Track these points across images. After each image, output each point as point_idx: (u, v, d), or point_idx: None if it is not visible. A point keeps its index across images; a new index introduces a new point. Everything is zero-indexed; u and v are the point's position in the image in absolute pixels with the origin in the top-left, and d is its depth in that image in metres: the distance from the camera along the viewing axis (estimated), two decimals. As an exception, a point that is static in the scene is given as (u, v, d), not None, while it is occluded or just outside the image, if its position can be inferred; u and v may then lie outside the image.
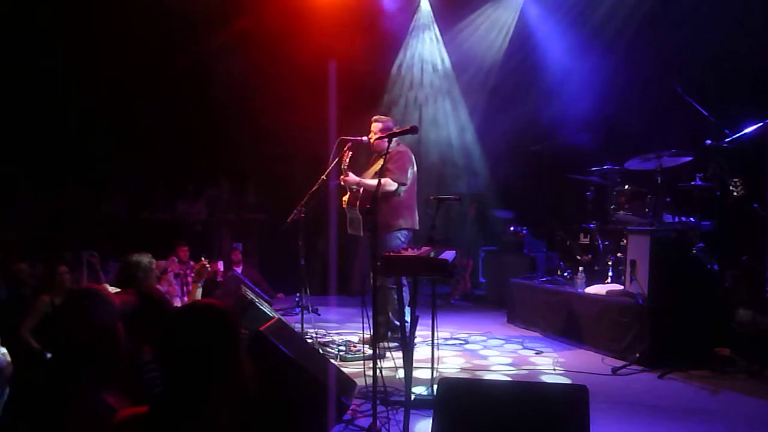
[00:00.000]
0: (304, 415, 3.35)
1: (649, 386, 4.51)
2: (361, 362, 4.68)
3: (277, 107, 8.44)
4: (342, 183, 5.40)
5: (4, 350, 3.84)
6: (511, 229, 8.51)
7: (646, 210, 5.72)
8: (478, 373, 4.89)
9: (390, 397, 3.88)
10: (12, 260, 5.49)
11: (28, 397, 2.31)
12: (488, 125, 9.22)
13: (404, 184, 5.44)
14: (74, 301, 2.36)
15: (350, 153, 5.40)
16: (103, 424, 1.89)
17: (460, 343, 5.87)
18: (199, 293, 4.43)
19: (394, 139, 5.12)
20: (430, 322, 4.15)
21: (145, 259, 3.95)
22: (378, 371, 3.44)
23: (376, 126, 5.53)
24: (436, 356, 4.22)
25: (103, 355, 2.24)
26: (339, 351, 5.12)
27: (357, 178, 5.32)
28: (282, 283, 8.99)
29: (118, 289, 3.80)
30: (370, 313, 3.71)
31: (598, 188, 6.54)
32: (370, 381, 3.50)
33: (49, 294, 4.62)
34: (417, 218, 5.58)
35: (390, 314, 5.50)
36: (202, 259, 4.58)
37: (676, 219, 5.47)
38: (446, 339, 5.92)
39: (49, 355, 4.11)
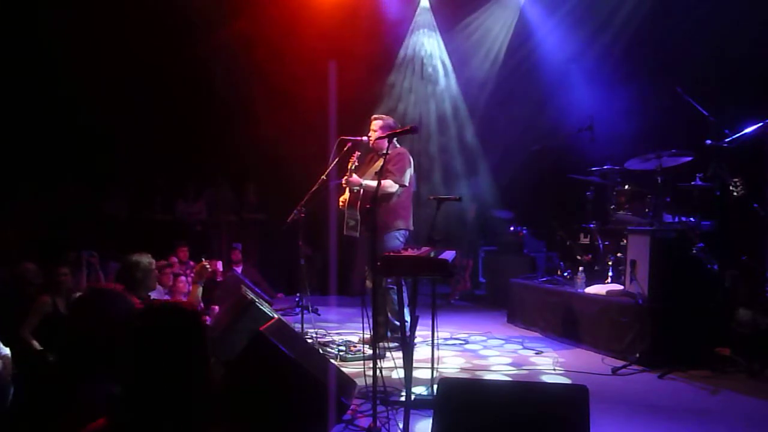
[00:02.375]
0: (304, 415, 3.35)
1: (649, 386, 4.51)
2: (361, 362, 4.68)
3: (277, 107, 8.45)
4: (344, 184, 5.40)
5: (7, 351, 3.85)
6: (511, 229, 8.51)
7: (646, 210, 5.72)
8: (478, 373, 4.89)
9: (390, 397, 3.88)
10: (13, 260, 5.48)
11: (37, 395, 2.31)
12: (488, 125, 9.23)
13: (404, 186, 5.45)
14: (93, 297, 2.37)
15: (358, 154, 5.41)
16: None
17: (460, 343, 5.87)
18: (199, 293, 4.43)
19: (393, 140, 5.13)
20: (430, 322, 4.15)
21: (145, 259, 3.95)
22: (378, 371, 3.44)
23: (376, 123, 5.53)
24: (436, 356, 4.21)
25: (117, 351, 2.24)
26: (339, 351, 5.11)
27: (360, 180, 5.32)
28: (282, 283, 9.01)
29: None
30: (370, 313, 3.71)
31: (598, 188, 6.54)
32: (370, 381, 3.50)
33: (50, 294, 4.62)
34: (412, 219, 5.60)
35: (389, 314, 5.50)
36: (203, 259, 4.58)
37: (676, 219, 5.47)
38: (446, 339, 5.92)
39: (51, 357, 4.12)
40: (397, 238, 5.42)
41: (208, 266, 4.47)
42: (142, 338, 1.71)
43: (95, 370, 2.17)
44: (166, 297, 5.83)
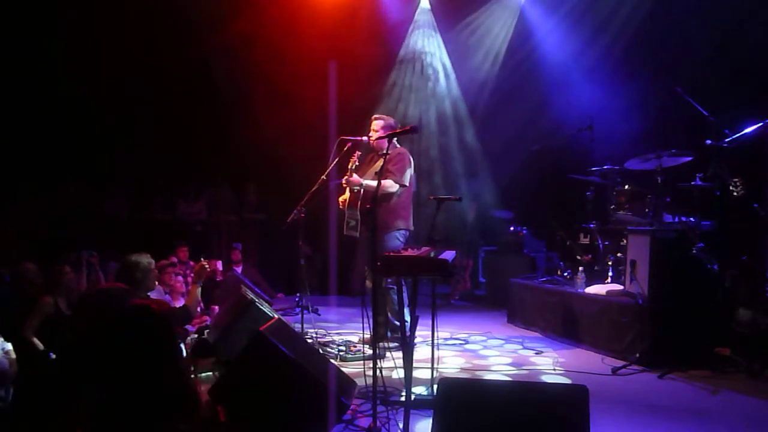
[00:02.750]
0: (304, 415, 3.35)
1: (649, 386, 4.51)
2: (361, 362, 4.68)
3: (277, 107, 8.45)
4: (344, 184, 5.40)
5: (9, 346, 3.86)
6: (511, 229, 8.51)
7: (646, 210, 5.72)
8: (478, 373, 4.89)
9: (390, 397, 3.88)
10: (13, 260, 5.48)
11: (39, 394, 2.31)
12: (488, 125, 9.23)
13: (405, 186, 5.45)
14: (95, 297, 2.37)
15: (358, 154, 5.41)
16: None
17: (460, 343, 5.86)
18: (198, 293, 4.44)
19: (394, 140, 5.13)
20: (430, 322, 4.15)
21: (144, 259, 3.95)
22: (378, 371, 3.44)
23: (377, 124, 5.53)
24: (436, 356, 4.21)
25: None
26: (339, 351, 5.11)
27: (360, 179, 5.32)
28: (282, 283, 9.01)
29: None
30: (370, 313, 3.71)
31: (598, 188, 6.53)
32: (370, 381, 3.50)
33: (52, 294, 4.62)
34: (412, 219, 5.60)
35: (389, 314, 5.50)
36: (201, 259, 4.58)
37: (676, 219, 5.47)
38: (446, 339, 5.91)
39: (53, 355, 4.12)
40: (397, 238, 5.42)
41: (207, 266, 4.48)
42: (109, 342, 1.67)
43: (96, 369, 2.17)
44: (166, 297, 5.84)
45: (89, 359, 1.68)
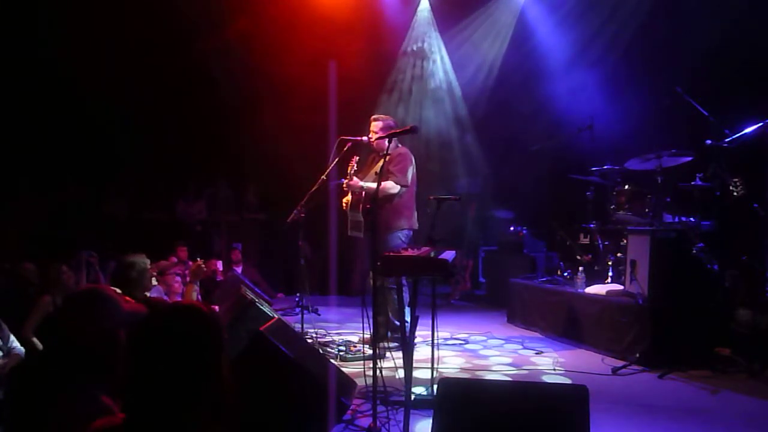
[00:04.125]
0: (304, 415, 3.35)
1: (649, 386, 4.51)
2: (361, 362, 4.68)
3: (277, 107, 8.45)
4: (345, 188, 5.40)
5: (21, 351, 3.87)
6: (511, 229, 8.51)
7: (646, 210, 5.72)
8: (478, 373, 4.89)
9: (390, 397, 3.88)
10: (13, 260, 5.48)
11: (21, 395, 2.30)
12: (488, 125, 9.23)
13: (406, 186, 5.45)
14: (78, 300, 2.35)
15: (357, 158, 5.40)
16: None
17: (460, 343, 5.86)
18: (194, 293, 4.42)
19: (394, 140, 5.13)
20: (430, 322, 4.15)
21: (141, 260, 3.94)
22: (378, 371, 3.44)
23: (376, 125, 5.53)
24: (436, 356, 4.21)
25: (102, 356, 2.21)
26: (339, 351, 5.12)
27: (360, 183, 5.31)
28: (282, 283, 9.01)
29: (120, 290, 3.81)
30: (370, 313, 3.71)
31: (598, 188, 6.54)
32: (370, 381, 3.50)
33: (51, 294, 4.62)
34: (416, 218, 5.60)
35: (390, 314, 5.50)
36: (197, 259, 4.57)
37: (676, 219, 5.47)
38: (446, 339, 5.91)
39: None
40: (399, 238, 5.42)
41: (203, 266, 4.47)
42: (153, 342, 1.63)
43: (81, 372, 2.15)
44: (165, 297, 5.83)
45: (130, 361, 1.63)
